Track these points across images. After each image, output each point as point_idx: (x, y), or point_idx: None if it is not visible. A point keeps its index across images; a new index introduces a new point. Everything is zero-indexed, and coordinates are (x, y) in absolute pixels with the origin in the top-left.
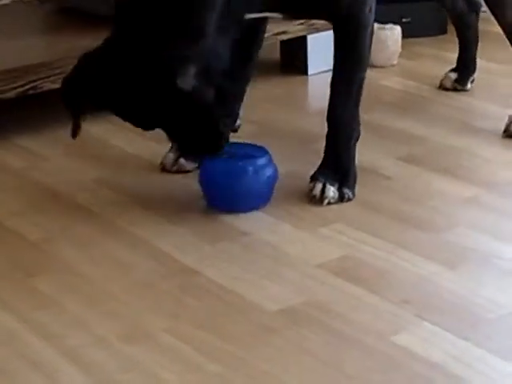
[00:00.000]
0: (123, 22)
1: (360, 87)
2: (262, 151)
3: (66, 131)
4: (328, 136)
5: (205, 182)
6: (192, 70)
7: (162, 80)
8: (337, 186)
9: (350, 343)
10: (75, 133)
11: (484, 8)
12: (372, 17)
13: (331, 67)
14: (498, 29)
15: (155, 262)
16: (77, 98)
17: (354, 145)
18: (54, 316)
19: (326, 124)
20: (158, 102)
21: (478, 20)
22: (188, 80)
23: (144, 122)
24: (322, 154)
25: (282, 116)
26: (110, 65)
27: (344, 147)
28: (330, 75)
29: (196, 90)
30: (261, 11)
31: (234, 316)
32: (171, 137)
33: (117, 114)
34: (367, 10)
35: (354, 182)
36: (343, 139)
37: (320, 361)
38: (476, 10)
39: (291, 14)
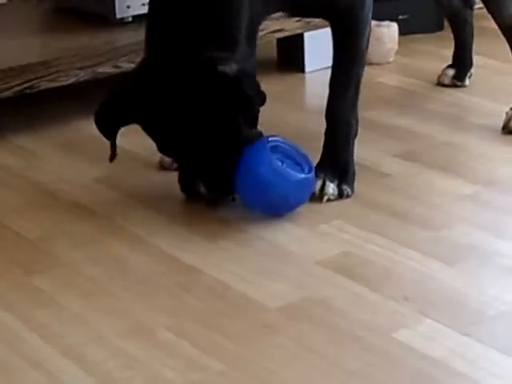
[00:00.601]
0: (156, 44)
1: (358, 84)
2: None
3: (63, 130)
4: (326, 133)
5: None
6: (233, 65)
7: (204, 73)
8: (336, 182)
9: (351, 340)
10: (113, 156)
11: (480, 4)
12: (370, 15)
13: (328, 65)
14: (495, 25)
15: (155, 260)
16: (112, 122)
17: (353, 142)
18: (53, 314)
19: (323, 121)
20: (196, 119)
21: (472, 16)
22: (231, 66)
23: (177, 144)
24: (320, 152)
25: (279, 114)
26: (146, 87)
27: (343, 144)
28: (327, 73)
29: (240, 74)
30: (272, 13)
31: (234, 313)
32: (198, 169)
33: (154, 139)
34: (366, 8)
35: (353, 178)
36: (342, 136)
37: (321, 357)
38: (470, 5)
39: (295, 12)
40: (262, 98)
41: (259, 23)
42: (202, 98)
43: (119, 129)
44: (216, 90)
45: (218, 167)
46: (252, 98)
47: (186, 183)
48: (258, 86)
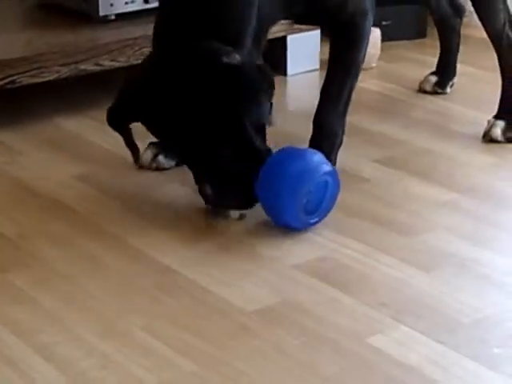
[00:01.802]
0: (164, 38)
1: (350, 96)
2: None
3: (44, 126)
4: (312, 140)
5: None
6: (236, 56)
7: (207, 62)
8: None
9: (326, 344)
10: (137, 157)
11: (466, 13)
12: (370, 28)
13: (311, 68)
14: (480, 34)
15: (132, 260)
16: (125, 122)
17: (337, 151)
18: (28, 312)
19: (305, 125)
20: (206, 114)
21: (461, 25)
22: (233, 56)
23: (187, 144)
24: None
25: None
26: (153, 84)
27: (327, 153)
28: (309, 76)
29: (244, 63)
30: (280, 19)
31: (210, 315)
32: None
33: (165, 137)
34: (369, 17)
35: None
36: (327, 145)
37: (295, 361)
38: (460, 14)
39: (299, 20)
40: (270, 85)
41: (267, 28)
42: (207, 90)
43: (129, 125)
44: (220, 82)
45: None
46: (257, 85)
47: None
48: (266, 72)
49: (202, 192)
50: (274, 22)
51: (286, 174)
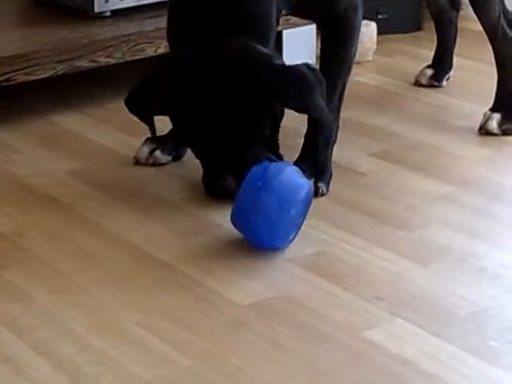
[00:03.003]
0: (187, 31)
1: (343, 92)
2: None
3: (40, 123)
4: (307, 136)
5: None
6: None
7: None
8: (312, 180)
9: (322, 338)
10: (154, 132)
11: (462, 5)
12: (361, 22)
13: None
14: (476, 27)
15: (128, 256)
16: (143, 106)
17: (332, 147)
18: (24, 308)
19: (300, 119)
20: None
21: (457, 17)
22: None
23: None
24: (297, 150)
25: None
26: (192, 81)
27: (322, 148)
28: None
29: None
30: (284, 11)
31: (206, 310)
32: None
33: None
34: (360, 13)
35: (330, 178)
36: (322, 141)
37: (291, 356)
38: (457, 7)
39: (294, 13)
40: (320, 80)
41: (277, 22)
42: (252, 90)
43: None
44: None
45: (248, 153)
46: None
47: (211, 182)
48: (314, 68)
49: (221, 184)
50: (280, 15)
51: (265, 212)
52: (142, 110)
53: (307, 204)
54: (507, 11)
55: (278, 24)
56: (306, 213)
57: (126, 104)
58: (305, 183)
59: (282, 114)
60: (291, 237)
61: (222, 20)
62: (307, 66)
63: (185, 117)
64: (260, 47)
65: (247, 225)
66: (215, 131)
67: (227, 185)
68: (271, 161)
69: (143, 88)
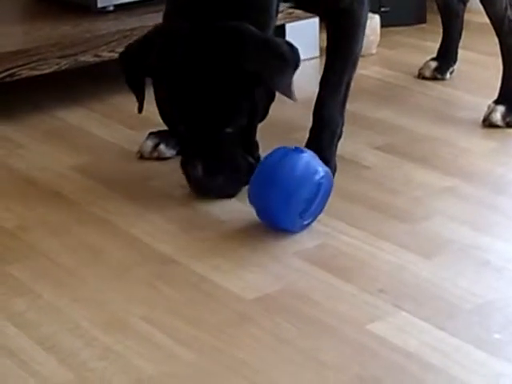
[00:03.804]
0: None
1: (348, 87)
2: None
3: (43, 118)
4: (312, 131)
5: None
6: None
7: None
8: None
9: (326, 332)
10: (141, 107)
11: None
12: (367, 15)
13: (309, 56)
14: (480, 19)
15: (132, 250)
16: (138, 73)
17: (337, 142)
18: (29, 303)
19: (304, 113)
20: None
21: (464, 11)
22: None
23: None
24: (301, 144)
25: None
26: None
27: (327, 144)
28: (309, 64)
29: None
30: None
31: (210, 304)
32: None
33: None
34: (366, 6)
35: (334, 172)
36: (327, 137)
37: (296, 349)
38: (464, 1)
39: (298, 5)
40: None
41: (277, 11)
42: (228, 62)
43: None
44: (245, 53)
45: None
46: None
47: (185, 170)
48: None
49: (189, 173)
50: (279, 5)
51: (280, 185)
52: (134, 67)
53: (325, 191)
54: None
55: (277, 15)
56: (324, 204)
57: (121, 58)
58: (323, 168)
59: (265, 108)
60: (305, 222)
61: (220, 5)
62: (290, 45)
63: (168, 86)
64: (256, 30)
65: (263, 200)
66: (192, 105)
67: (196, 174)
68: (246, 160)
69: (139, 47)
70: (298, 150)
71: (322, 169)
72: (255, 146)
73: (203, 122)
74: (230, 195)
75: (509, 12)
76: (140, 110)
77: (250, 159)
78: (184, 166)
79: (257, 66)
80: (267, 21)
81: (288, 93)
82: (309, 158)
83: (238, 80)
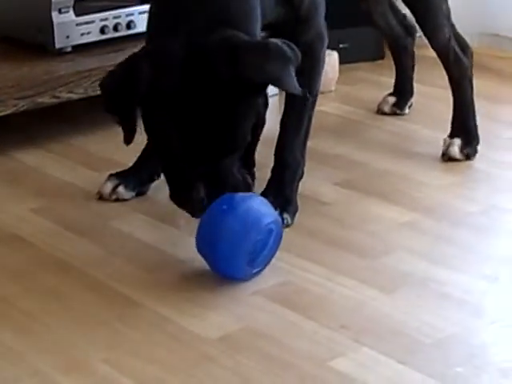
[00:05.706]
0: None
1: (309, 127)
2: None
3: (2, 160)
4: (274, 171)
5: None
6: None
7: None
8: (278, 210)
9: (289, 369)
10: (131, 138)
11: (419, 33)
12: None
13: (270, 93)
14: (433, 53)
15: (93, 293)
16: (125, 101)
17: (298, 181)
18: None
19: (266, 152)
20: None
21: (413, 44)
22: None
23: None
24: (262, 180)
25: None
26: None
27: (289, 183)
28: (272, 100)
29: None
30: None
31: (173, 345)
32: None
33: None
34: (325, 43)
35: (295, 210)
36: (289, 177)
37: None
38: (412, 34)
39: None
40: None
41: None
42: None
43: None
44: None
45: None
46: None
47: (183, 194)
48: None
49: (191, 199)
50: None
51: (225, 237)
52: (121, 95)
53: (275, 238)
54: (458, 35)
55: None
56: (275, 249)
57: (103, 86)
58: (272, 214)
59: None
60: (255, 270)
61: (206, 16)
62: (284, 42)
63: (165, 116)
64: (248, 36)
65: (210, 250)
66: (196, 135)
67: (199, 197)
68: (245, 180)
69: (124, 73)
70: (245, 198)
71: (270, 216)
72: (252, 161)
73: (209, 152)
74: None
75: (453, 43)
76: (129, 141)
77: (249, 179)
78: (178, 193)
79: (260, 72)
80: (254, 26)
81: (294, 90)
82: (257, 205)
83: (242, 98)
